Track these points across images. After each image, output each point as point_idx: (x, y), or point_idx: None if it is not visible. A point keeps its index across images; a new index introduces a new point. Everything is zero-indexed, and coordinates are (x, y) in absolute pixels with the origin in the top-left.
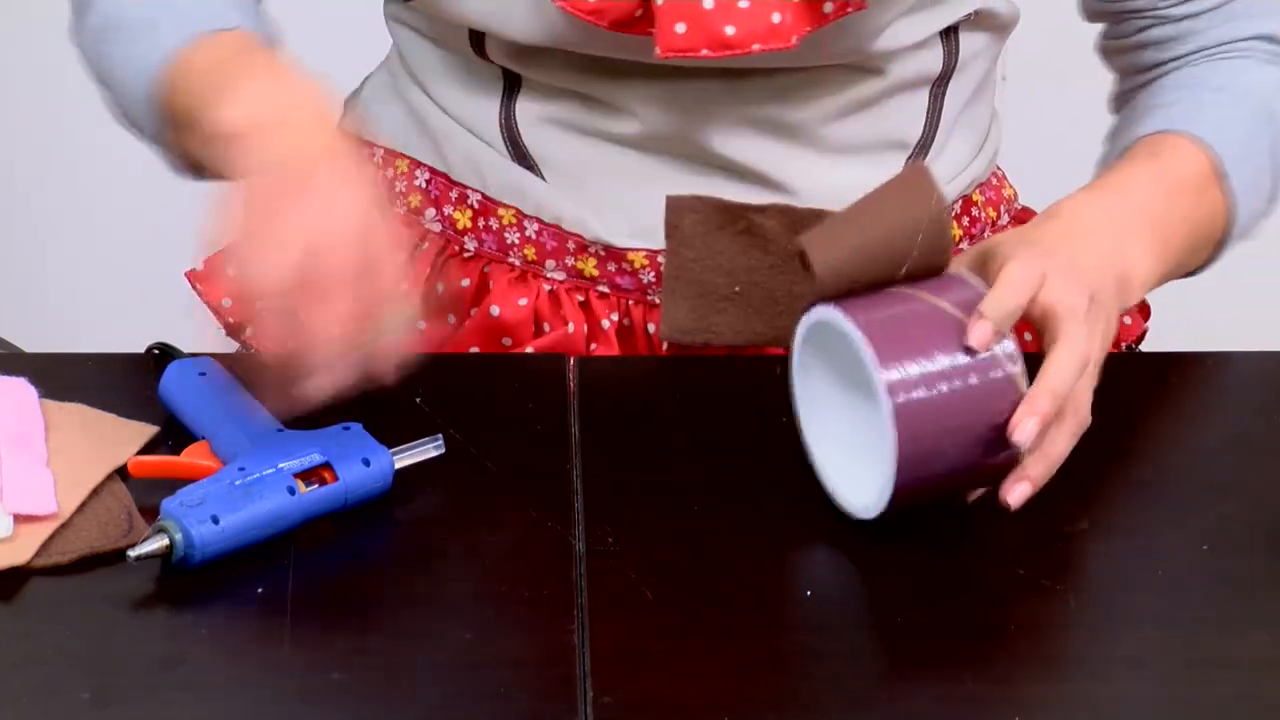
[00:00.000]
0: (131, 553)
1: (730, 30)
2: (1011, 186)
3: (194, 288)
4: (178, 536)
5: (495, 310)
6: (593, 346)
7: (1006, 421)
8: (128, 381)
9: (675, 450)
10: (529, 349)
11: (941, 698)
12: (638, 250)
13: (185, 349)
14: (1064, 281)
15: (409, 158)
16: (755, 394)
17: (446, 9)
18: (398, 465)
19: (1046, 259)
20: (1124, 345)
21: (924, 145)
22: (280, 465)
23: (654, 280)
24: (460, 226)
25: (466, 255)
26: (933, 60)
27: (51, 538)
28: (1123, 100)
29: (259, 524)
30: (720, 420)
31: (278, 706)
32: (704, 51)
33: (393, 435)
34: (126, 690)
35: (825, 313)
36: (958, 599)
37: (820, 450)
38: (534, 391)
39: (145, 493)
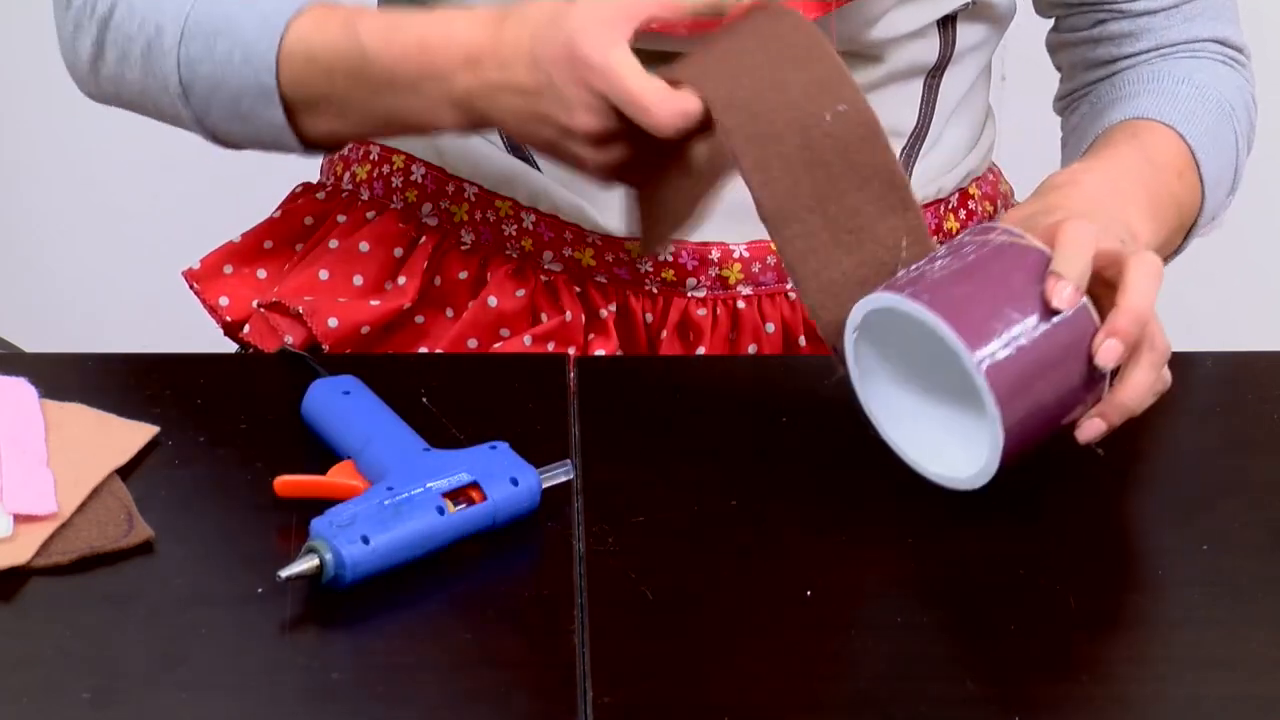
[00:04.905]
0: (282, 573)
1: None
2: (1007, 182)
3: (191, 287)
4: (328, 556)
5: (493, 301)
6: (590, 336)
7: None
8: (128, 381)
9: (675, 450)
10: (526, 338)
11: (941, 698)
12: (635, 239)
13: (185, 348)
14: (1105, 234)
15: (404, 153)
16: (755, 394)
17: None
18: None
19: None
20: None
21: (919, 134)
22: (428, 484)
23: (651, 270)
24: (457, 220)
25: (464, 248)
26: (929, 50)
27: (51, 538)
28: (1071, 100)
29: (409, 544)
30: (720, 420)
31: (278, 706)
32: None
33: None
34: (126, 690)
35: (885, 299)
36: (958, 599)
37: (900, 433)
38: (534, 391)
39: (290, 512)
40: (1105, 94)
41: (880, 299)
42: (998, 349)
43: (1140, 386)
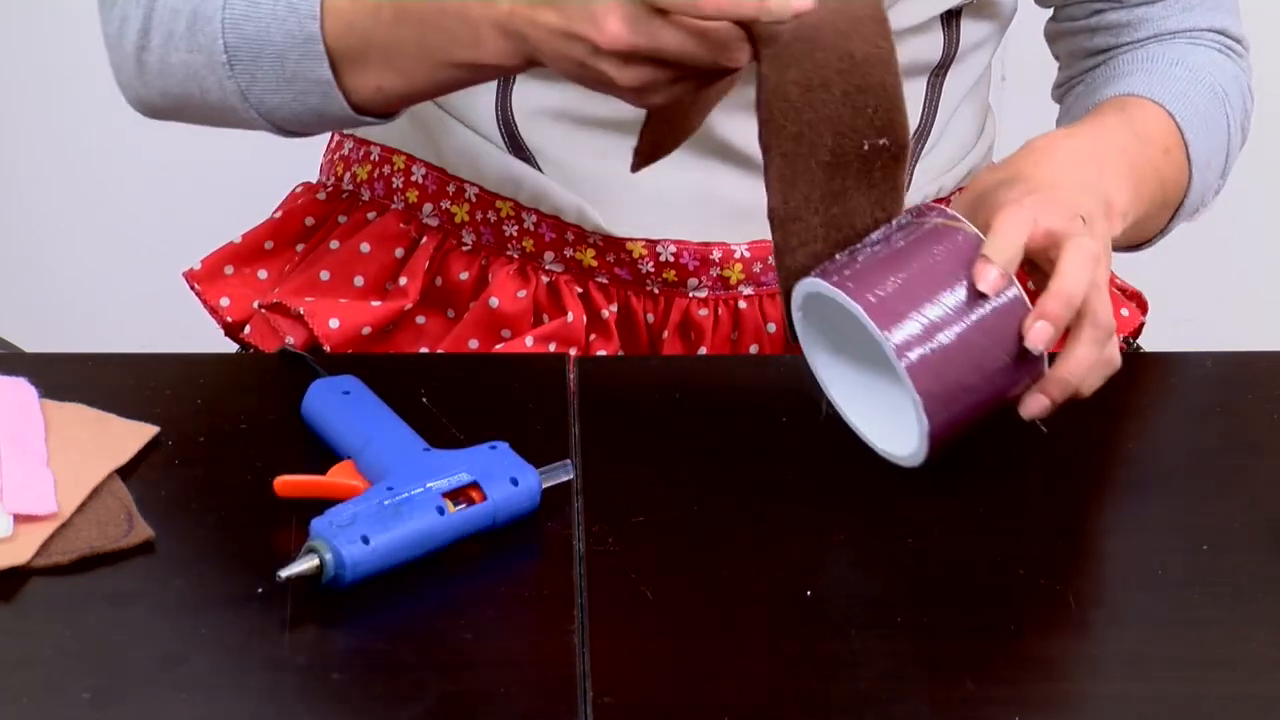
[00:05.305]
0: (282, 573)
1: None
2: None
3: (192, 288)
4: (328, 556)
5: (494, 302)
6: (592, 337)
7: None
8: (127, 381)
9: (675, 450)
10: (528, 339)
11: (941, 698)
12: (636, 240)
13: (185, 348)
14: (1052, 211)
15: (405, 154)
16: (755, 394)
17: None
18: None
19: (1032, 197)
20: (1122, 338)
21: (922, 133)
22: (428, 484)
23: (653, 270)
24: (458, 220)
25: (465, 249)
26: (932, 47)
27: (51, 538)
28: (1067, 87)
29: (409, 544)
30: (720, 420)
31: (278, 706)
32: None
33: None
34: (126, 690)
35: (814, 285)
36: (958, 599)
37: (851, 407)
38: (534, 391)
39: (290, 512)
40: (1099, 75)
41: (810, 284)
42: (918, 335)
43: (1082, 362)
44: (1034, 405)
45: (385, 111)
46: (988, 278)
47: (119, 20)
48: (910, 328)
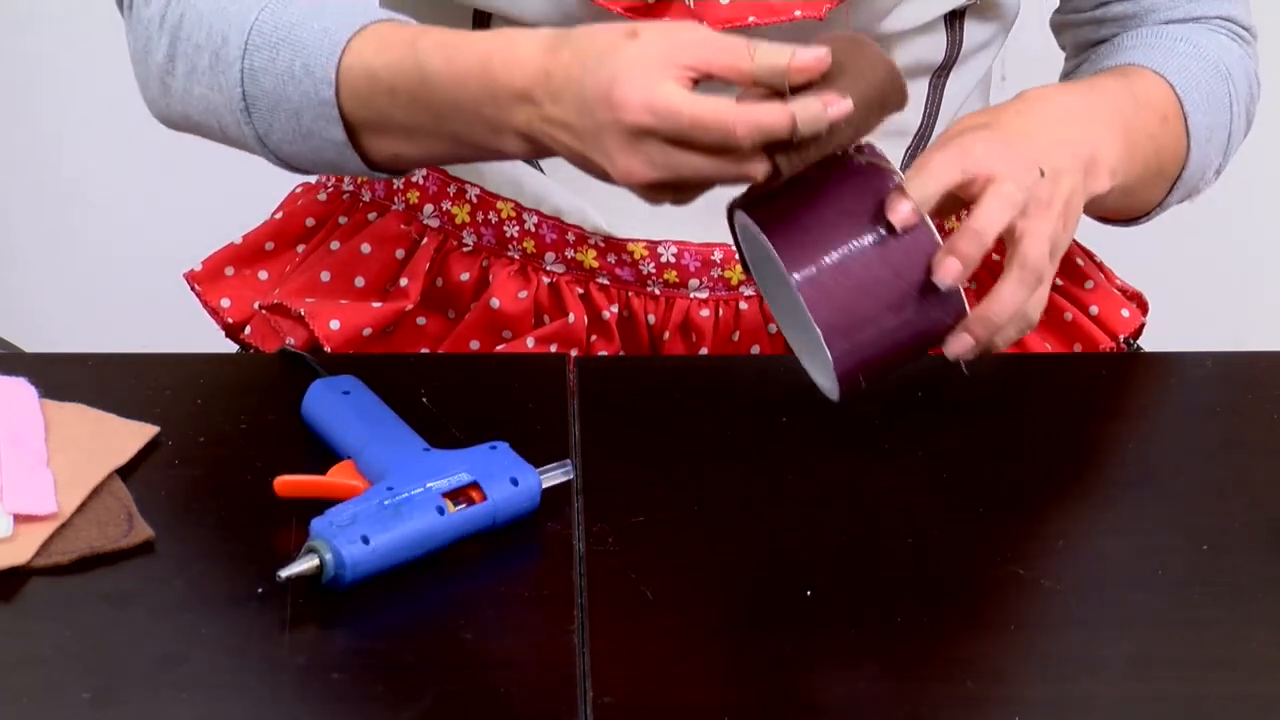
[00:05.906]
0: (282, 573)
1: None
2: None
3: (193, 289)
4: (328, 556)
5: (495, 303)
6: (593, 338)
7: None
8: (128, 381)
9: (675, 450)
10: (529, 340)
11: (941, 698)
12: (637, 241)
13: (185, 348)
14: (1007, 160)
15: None
16: (755, 394)
17: None
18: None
19: (985, 144)
20: (1122, 338)
21: (923, 135)
22: (428, 484)
23: (654, 271)
24: (459, 221)
25: (466, 250)
26: (935, 48)
27: (51, 538)
28: (1073, 77)
29: (409, 544)
30: (720, 420)
31: (278, 706)
32: (751, 19)
33: None
34: (126, 690)
35: (740, 216)
36: (958, 599)
37: (791, 334)
38: (534, 391)
39: (290, 512)
40: (1103, 51)
41: (738, 214)
42: (822, 267)
43: (1007, 302)
44: (957, 345)
45: (404, 172)
46: (899, 211)
47: (144, 39)
48: (815, 259)
